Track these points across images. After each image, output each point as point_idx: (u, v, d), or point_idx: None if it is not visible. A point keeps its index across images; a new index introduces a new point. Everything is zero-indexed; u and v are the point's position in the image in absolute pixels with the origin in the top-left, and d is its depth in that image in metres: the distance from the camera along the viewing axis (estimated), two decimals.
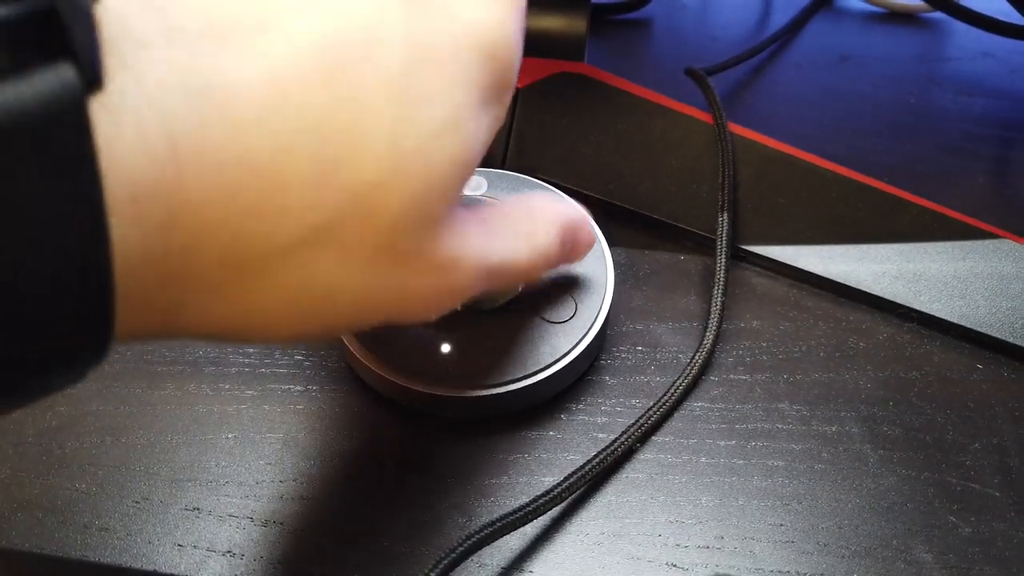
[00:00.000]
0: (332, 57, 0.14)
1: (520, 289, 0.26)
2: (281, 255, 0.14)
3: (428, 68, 0.15)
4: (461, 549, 0.20)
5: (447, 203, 0.16)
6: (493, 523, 0.21)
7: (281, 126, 0.13)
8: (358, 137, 0.14)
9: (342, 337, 0.25)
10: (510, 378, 0.24)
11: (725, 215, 0.31)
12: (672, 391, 0.26)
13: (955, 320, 0.28)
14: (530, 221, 0.21)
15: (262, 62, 0.13)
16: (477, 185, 0.29)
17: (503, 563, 0.22)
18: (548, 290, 0.26)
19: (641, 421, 0.25)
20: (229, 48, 0.13)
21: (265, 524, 0.23)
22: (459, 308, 0.25)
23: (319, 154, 0.14)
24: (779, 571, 0.22)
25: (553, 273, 0.27)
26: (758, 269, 0.31)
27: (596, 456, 0.24)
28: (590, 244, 0.24)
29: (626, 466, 0.25)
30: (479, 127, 0.17)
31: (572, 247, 0.23)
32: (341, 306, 0.16)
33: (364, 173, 0.14)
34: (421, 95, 0.15)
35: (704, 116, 0.35)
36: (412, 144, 0.15)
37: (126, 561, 0.22)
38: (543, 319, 0.26)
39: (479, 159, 0.17)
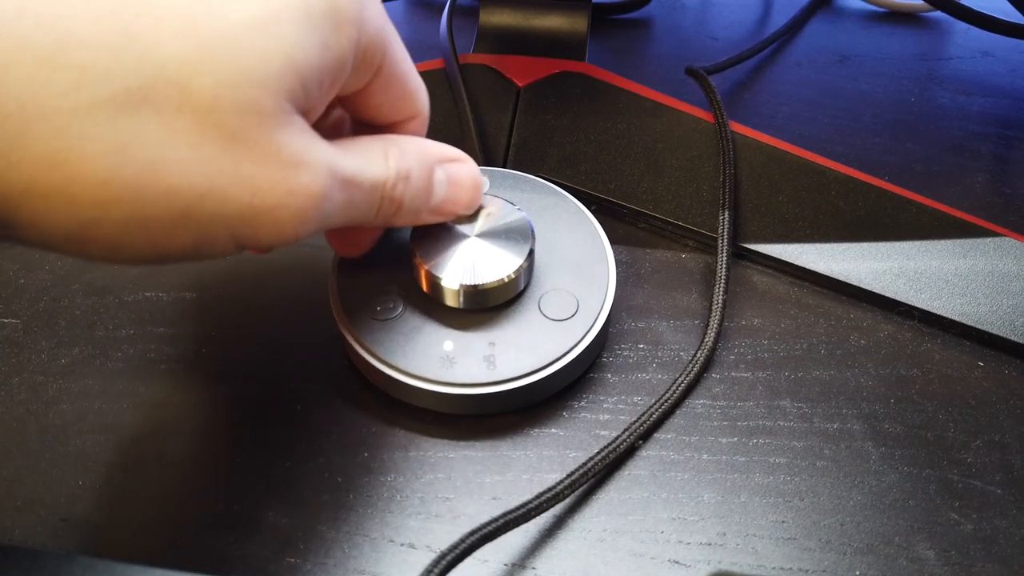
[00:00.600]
0: None
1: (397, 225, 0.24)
2: (88, 110, 0.15)
3: None
4: (464, 545, 0.21)
5: (275, 99, 0.17)
6: (496, 520, 0.21)
7: None
8: (152, 11, 0.15)
9: (344, 334, 0.25)
10: (512, 375, 0.24)
11: (726, 213, 0.31)
12: (674, 388, 0.26)
13: (956, 318, 0.29)
14: (388, 144, 0.22)
15: None
16: None
17: (506, 560, 0.22)
18: (550, 287, 0.26)
19: (643, 418, 0.25)
20: None
21: (266, 520, 0.23)
22: (461, 307, 0.25)
23: (115, 19, 0.15)
24: (781, 568, 0.23)
25: (555, 270, 0.27)
26: (759, 267, 0.31)
27: (598, 453, 0.24)
28: (473, 183, 0.24)
29: (628, 463, 0.25)
30: (303, 40, 0.17)
31: (450, 182, 0.23)
32: (176, 184, 0.16)
33: (165, 46, 0.15)
34: None
35: (705, 115, 0.35)
36: (216, 28, 0.16)
37: (130, 558, 0.22)
38: (545, 316, 0.26)
39: (313, 75, 0.18)
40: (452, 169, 0.24)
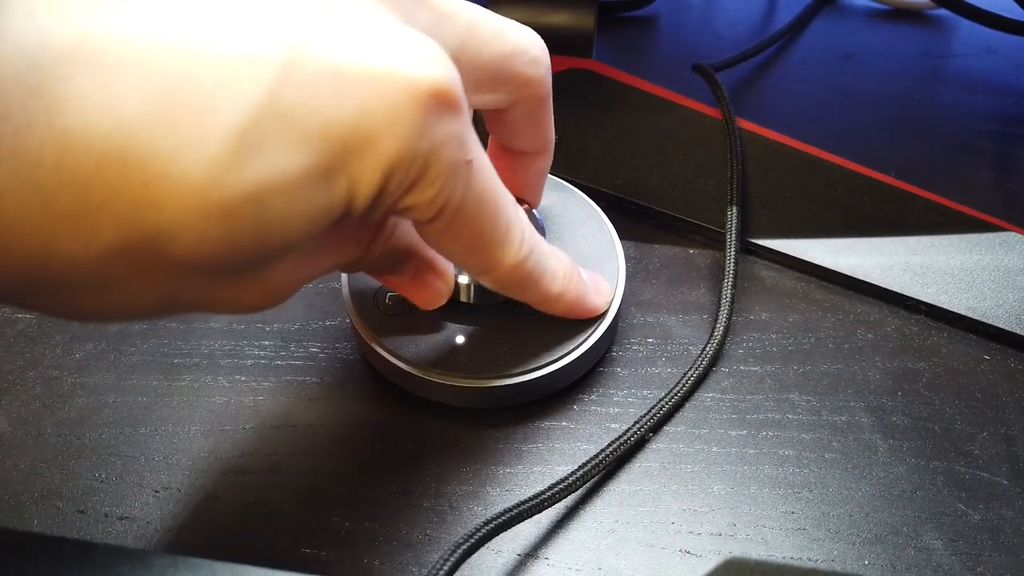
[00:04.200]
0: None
1: None
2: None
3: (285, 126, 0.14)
4: (478, 536, 0.21)
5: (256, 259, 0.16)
6: (509, 511, 0.22)
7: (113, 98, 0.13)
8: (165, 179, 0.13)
9: (357, 329, 0.26)
10: (524, 369, 0.25)
11: (734, 209, 0.31)
12: (683, 382, 0.26)
13: (962, 312, 0.29)
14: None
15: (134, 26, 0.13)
16: None
17: (519, 550, 0.23)
18: None
19: (653, 411, 0.25)
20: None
21: (282, 513, 0.23)
22: (472, 302, 0.25)
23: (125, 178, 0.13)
24: (791, 558, 0.23)
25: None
26: (767, 262, 0.32)
27: (609, 446, 0.24)
28: (430, 296, 0.23)
29: (639, 455, 0.25)
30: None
31: (412, 280, 0.23)
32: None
33: (163, 213, 0.14)
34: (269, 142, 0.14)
35: (712, 111, 0.35)
36: (236, 194, 0.14)
37: (144, 547, 0.23)
38: None
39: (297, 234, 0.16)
40: (424, 272, 0.23)
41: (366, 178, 0.15)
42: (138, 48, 0.13)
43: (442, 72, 0.16)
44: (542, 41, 0.22)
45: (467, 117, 0.17)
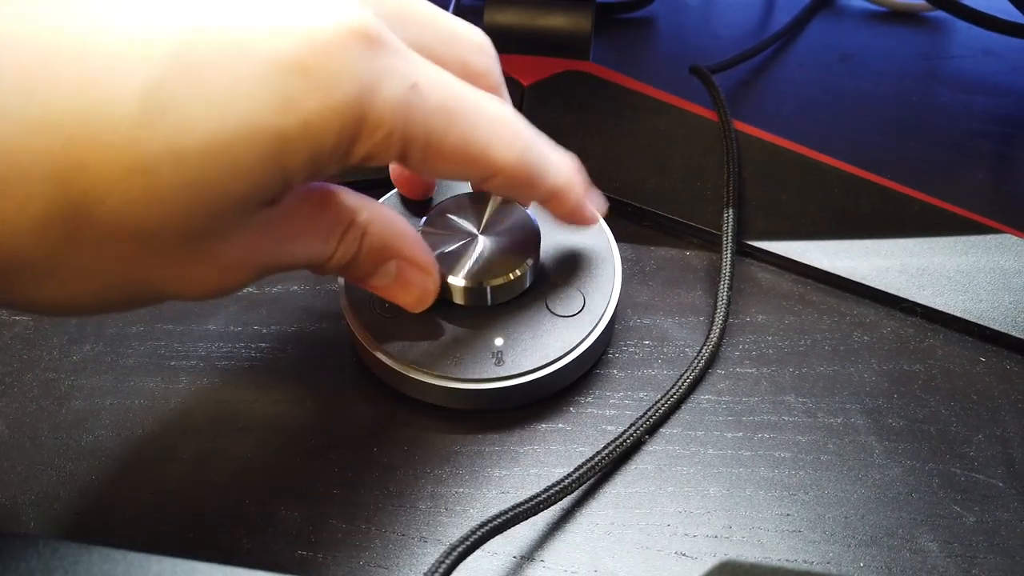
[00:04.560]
0: (85, 51, 0.14)
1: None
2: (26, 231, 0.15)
3: (197, 79, 0.15)
4: (473, 538, 0.21)
5: (216, 222, 0.16)
6: (505, 513, 0.22)
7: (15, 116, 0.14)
8: (90, 137, 0.14)
9: (353, 331, 0.26)
10: (520, 371, 0.25)
11: (730, 211, 0.31)
12: (679, 384, 0.26)
13: (958, 314, 0.29)
14: (352, 223, 0.21)
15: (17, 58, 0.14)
16: None
17: (514, 552, 0.23)
18: (557, 284, 0.27)
19: (649, 413, 0.25)
20: None
21: (278, 515, 0.23)
22: (468, 304, 0.25)
23: (48, 145, 0.14)
24: (786, 560, 0.23)
25: (562, 267, 0.27)
26: (763, 264, 0.32)
27: (605, 448, 0.24)
28: (419, 295, 0.23)
29: (635, 457, 0.25)
30: (259, 162, 0.16)
31: (396, 278, 0.23)
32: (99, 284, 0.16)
33: (90, 173, 0.14)
34: (182, 107, 0.15)
35: (708, 113, 0.35)
36: (157, 155, 0.15)
37: (142, 549, 0.23)
38: (552, 313, 0.26)
39: (265, 195, 0.17)
40: (406, 271, 0.23)
41: (294, 134, 0.16)
42: (49, 25, 0.14)
43: (354, 13, 0.16)
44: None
45: (393, 46, 0.17)
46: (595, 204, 0.25)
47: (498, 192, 0.22)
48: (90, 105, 0.14)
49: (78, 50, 0.14)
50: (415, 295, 0.23)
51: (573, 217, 0.24)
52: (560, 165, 0.22)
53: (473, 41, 0.21)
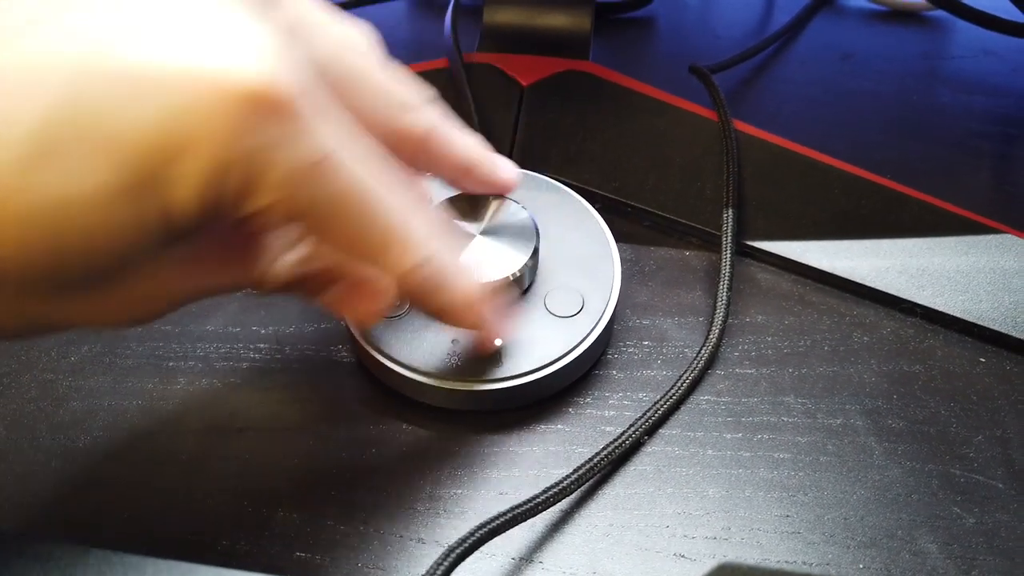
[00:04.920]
0: None
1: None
2: None
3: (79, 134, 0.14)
4: (472, 540, 0.21)
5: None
6: (503, 514, 0.21)
7: None
8: None
9: (352, 332, 0.26)
10: (519, 372, 0.25)
11: (730, 211, 0.31)
12: (679, 385, 0.26)
13: (958, 314, 0.29)
14: (276, 252, 0.20)
15: None
16: None
17: (513, 554, 0.23)
18: (556, 285, 0.27)
19: (648, 414, 0.25)
20: None
21: (276, 516, 0.23)
22: None
23: None
24: (785, 561, 0.23)
25: (561, 267, 0.27)
26: (762, 265, 0.32)
27: (604, 449, 0.24)
28: (373, 306, 0.22)
29: (634, 458, 0.25)
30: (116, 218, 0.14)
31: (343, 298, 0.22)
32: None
33: None
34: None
35: (708, 113, 0.35)
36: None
37: (140, 553, 0.23)
38: (551, 313, 0.26)
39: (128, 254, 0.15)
40: (351, 290, 0.22)
41: (183, 189, 0.14)
42: None
43: (263, 71, 0.14)
44: (371, 33, 0.21)
45: (310, 114, 0.15)
46: (501, 329, 0.24)
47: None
48: None
49: None
50: (366, 306, 0.22)
51: (477, 328, 0.23)
52: (461, 288, 0.21)
53: (405, 102, 0.21)
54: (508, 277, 0.25)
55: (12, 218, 0.13)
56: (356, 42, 0.19)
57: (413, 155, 0.22)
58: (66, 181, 0.14)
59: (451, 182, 0.24)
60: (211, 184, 0.15)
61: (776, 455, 0.25)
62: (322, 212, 0.16)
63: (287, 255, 0.21)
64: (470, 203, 0.26)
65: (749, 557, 0.23)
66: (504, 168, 0.24)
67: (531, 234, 0.26)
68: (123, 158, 0.14)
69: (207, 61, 0.14)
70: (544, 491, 0.22)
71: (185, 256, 0.18)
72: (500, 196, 0.27)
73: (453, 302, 0.21)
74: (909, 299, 0.29)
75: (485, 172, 0.23)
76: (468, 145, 0.23)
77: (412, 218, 0.19)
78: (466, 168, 0.23)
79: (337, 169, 0.16)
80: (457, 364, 0.25)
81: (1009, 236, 0.30)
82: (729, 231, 0.30)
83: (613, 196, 0.33)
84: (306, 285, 0.21)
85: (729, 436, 0.26)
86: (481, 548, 0.21)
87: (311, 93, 0.16)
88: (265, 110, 0.14)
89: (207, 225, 0.16)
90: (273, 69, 0.14)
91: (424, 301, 0.20)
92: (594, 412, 0.26)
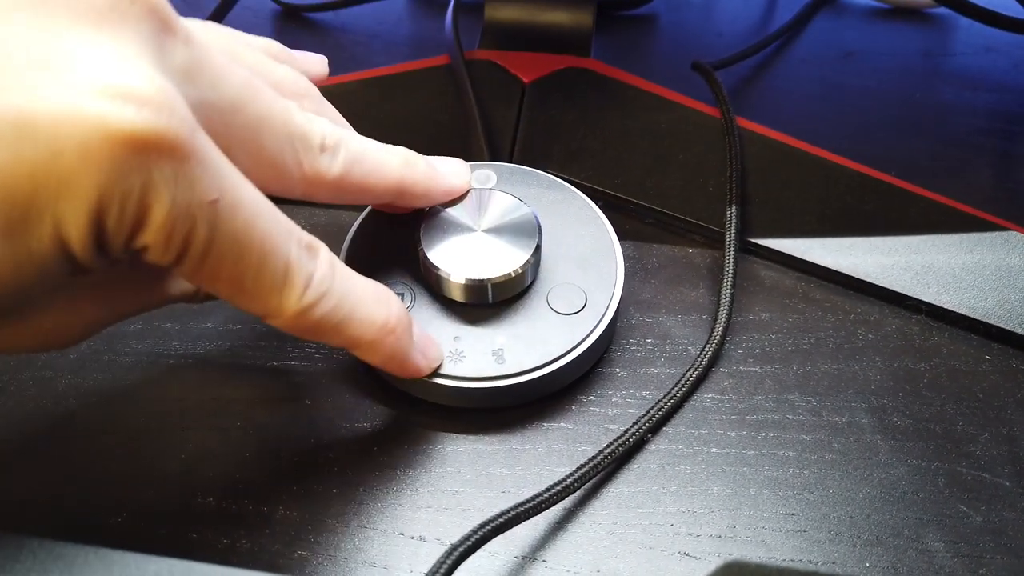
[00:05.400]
0: None
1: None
2: None
3: None
4: (475, 538, 0.21)
5: None
6: (506, 513, 0.21)
7: None
8: None
9: None
10: (521, 369, 0.24)
11: (733, 208, 0.31)
12: (682, 383, 0.26)
13: (963, 312, 0.29)
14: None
15: None
16: (486, 178, 0.29)
17: (516, 552, 0.22)
18: (558, 282, 0.26)
19: (652, 412, 0.25)
20: None
21: (276, 514, 0.23)
22: (468, 301, 0.25)
23: None
24: (791, 560, 0.23)
25: (563, 264, 0.27)
26: (766, 262, 0.32)
27: (608, 447, 0.24)
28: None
29: (637, 456, 0.25)
30: None
31: None
32: None
33: None
34: None
35: (711, 110, 0.35)
36: None
37: (141, 551, 0.22)
38: (553, 311, 0.26)
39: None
40: None
41: (68, 227, 0.15)
42: None
43: (146, 116, 0.15)
44: (318, 66, 0.22)
45: (202, 155, 0.16)
46: (427, 355, 0.24)
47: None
48: None
49: None
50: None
51: (387, 369, 0.23)
52: (368, 318, 0.21)
53: (317, 145, 0.21)
54: (510, 273, 0.25)
55: None
56: (261, 88, 0.19)
57: (335, 195, 0.22)
58: None
59: (395, 204, 0.24)
60: (93, 221, 0.15)
61: (781, 453, 0.25)
62: (216, 251, 0.17)
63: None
64: (472, 199, 0.26)
65: (754, 555, 0.23)
66: (445, 177, 0.25)
67: (533, 231, 0.26)
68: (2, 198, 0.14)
69: (86, 104, 0.14)
70: (547, 489, 0.22)
71: (93, 284, 0.19)
72: (504, 193, 0.26)
73: (358, 338, 0.21)
74: (914, 296, 0.29)
75: (419, 192, 0.24)
76: (390, 173, 0.23)
77: (303, 258, 0.19)
78: (396, 193, 0.24)
79: (234, 208, 0.17)
80: (460, 361, 0.24)
81: (1015, 233, 0.30)
82: (733, 228, 0.30)
83: (615, 193, 0.33)
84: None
85: (733, 434, 0.26)
86: (484, 546, 0.21)
87: (199, 137, 0.16)
88: (153, 151, 0.15)
89: (103, 259, 0.16)
90: (160, 114, 0.15)
91: (327, 339, 0.20)
92: (597, 410, 0.26)
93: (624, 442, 0.24)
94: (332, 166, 0.21)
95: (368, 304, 0.21)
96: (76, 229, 0.15)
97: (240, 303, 0.18)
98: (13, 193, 0.14)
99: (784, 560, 0.23)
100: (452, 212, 0.26)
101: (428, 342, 0.24)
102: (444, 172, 0.25)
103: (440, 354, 0.24)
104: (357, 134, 0.22)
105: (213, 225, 0.16)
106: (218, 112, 0.18)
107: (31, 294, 0.16)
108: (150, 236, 0.16)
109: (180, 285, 0.21)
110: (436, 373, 0.24)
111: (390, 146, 0.23)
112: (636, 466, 0.25)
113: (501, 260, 0.25)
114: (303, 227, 0.20)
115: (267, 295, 0.18)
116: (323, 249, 0.20)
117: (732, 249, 0.30)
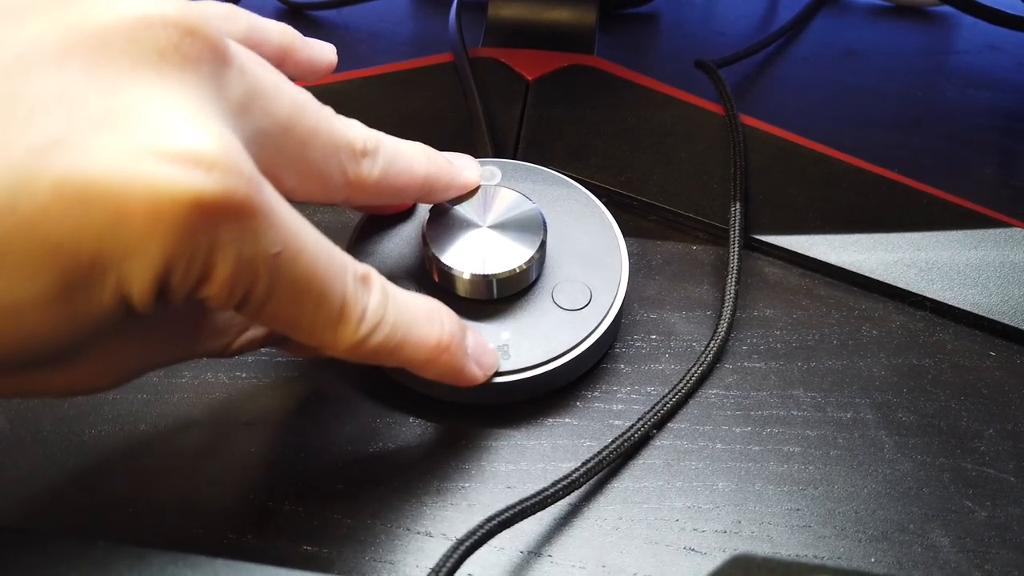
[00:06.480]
0: None
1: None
2: None
3: None
4: (481, 533, 0.21)
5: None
6: (512, 508, 0.21)
7: None
8: None
9: None
10: (527, 365, 0.24)
11: (737, 205, 0.31)
12: (687, 379, 0.26)
13: (967, 308, 0.29)
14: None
15: None
16: (491, 175, 0.29)
17: (522, 547, 0.22)
18: (563, 278, 0.26)
19: (657, 408, 0.25)
20: None
21: (282, 509, 0.23)
22: (473, 297, 0.25)
23: None
24: (796, 555, 0.23)
25: (568, 260, 0.27)
26: (770, 258, 0.32)
27: (613, 442, 0.24)
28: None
29: (642, 452, 0.25)
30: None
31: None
32: None
33: None
34: None
35: (714, 107, 0.35)
36: None
37: (146, 545, 0.22)
38: (558, 306, 0.26)
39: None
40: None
41: (134, 284, 0.15)
42: None
43: (219, 178, 0.15)
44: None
45: (267, 211, 0.16)
46: (482, 364, 0.23)
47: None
48: None
49: None
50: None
51: (446, 381, 0.23)
52: (421, 340, 0.21)
53: (358, 150, 0.21)
54: (515, 269, 0.25)
55: None
56: (307, 100, 0.19)
57: (372, 198, 0.22)
58: (3, 288, 0.14)
59: (418, 200, 0.26)
60: (158, 279, 0.15)
61: (786, 449, 0.25)
62: (277, 297, 0.17)
63: (245, 335, 0.22)
64: (477, 195, 0.26)
65: (760, 551, 0.23)
66: (462, 171, 0.25)
67: (539, 227, 0.26)
68: (59, 267, 0.14)
69: (155, 170, 0.14)
70: (553, 484, 0.22)
71: (141, 333, 0.19)
72: (509, 189, 0.26)
73: (412, 359, 0.21)
74: (918, 293, 0.29)
75: (442, 186, 0.25)
76: (419, 169, 0.23)
77: (359, 291, 0.19)
78: (424, 190, 0.24)
79: (295, 257, 0.17)
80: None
81: (1018, 230, 0.30)
82: (737, 225, 0.30)
83: (620, 190, 0.33)
84: (265, 342, 0.22)
85: (738, 430, 0.26)
86: (489, 541, 0.21)
87: (265, 192, 0.16)
88: (217, 214, 0.15)
89: (162, 308, 0.16)
90: (225, 176, 0.15)
91: (383, 363, 0.21)
92: (602, 406, 0.26)
93: (629, 438, 0.24)
94: (373, 170, 0.21)
95: (421, 326, 0.21)
96: (140, 286, 0.15)
97: (297, 338, 0.19)
98: (77, 255, 0.14)
99: (789, 555, 0.23)
100: (458, 208, 0.26)
101: (483, 350, 0.24)
102: (460, 166, 0.26)
103: (495, 360, 0.24)
104: (382, 133, 0.22)
105: (275, 275, 0.16)
106: (271, 137, 0.18)
107: (83, 343, 0.16)
108: (213, 290, 0.16)
109: (212, 342, 0.22)
110: None
111: (410, 142, 0.24)
112: (641, 462, 0.25)
113: (506, 256, 0.25)
114: None
115: (323, 331, 0.18)
116: (375, 278, 0.20)
117: (736, 245, 0.30)
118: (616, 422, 0.26)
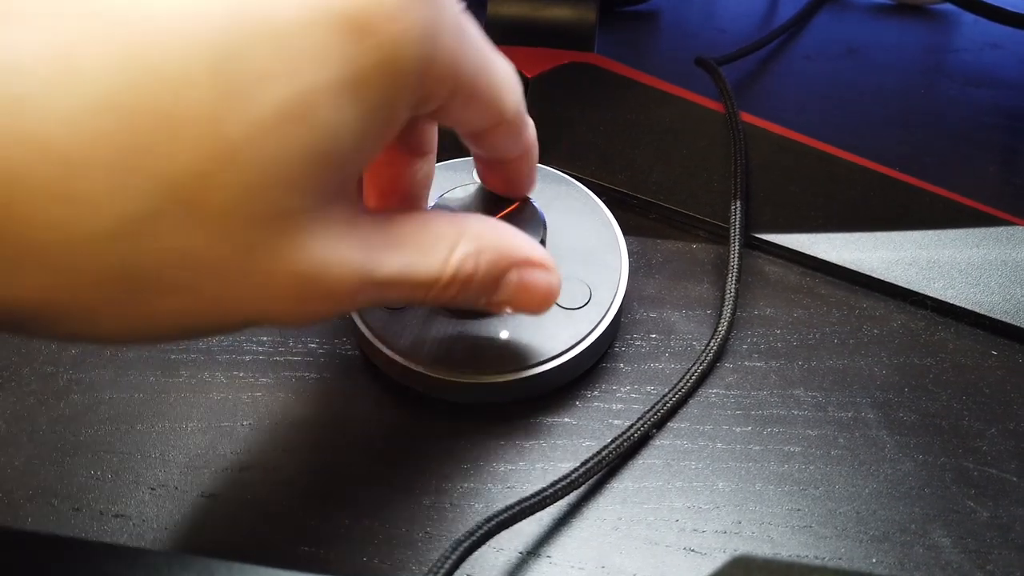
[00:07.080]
0: (133, 29, 0.13)
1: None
2: (86, 242, 0.13)
3: (263, 42, 0.13)
4: (479, 533, 0.20)
5: (300, 200, 0.15)
6: (510, 508, 0.21)
7: (72, 104, 0.12)
8: (169, 120, 0.13)
9: (356, 324, 0.25)
10: (526, 364, 0.24)
11: (738, 203, 0.31)
12: (687, 378, 0.26)
13: (969, 307, 0.28)
14: (462, 236, 0.19)
15: (46, 36, 0.12)
16: None
17: (521, 547, 0.22)
18: (563, 277, 0.26)
19: (657, 407, 0.25)
20: (10, 21, 0.12)
21: (280, 510, 0.23)
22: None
23: (122, 137, 0.13)
24: (797, 556, 0.22)
25: (568, 259, 0.27)
26: (771, 257, 0.31)
27: (612, 442, 0.24)
28: (546, 294, 0.21)
29: (642, 452, 0.25)
30: (344, 117, 0.15)
31: (520, 287, 0.21)
32: (187, 305, 0.15)
33: (179, 160, 0.13)
34: (253, 74, 0.13)
35: (715, 105, 0.35)
36: (240, 131, 0.13)
37: (143, 545, 0.22)
38: (558, 306, 0.26)
39: (354, 156, 0.16)
40: (528, 275, 0.21)
41: (372, 79, 0.15)
42: None
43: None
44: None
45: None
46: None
47: (488, 148, 0.21)
48: (153, 85, 0.13)
49: (123, 17, 0.13)
50: (541, 296, 0.21)
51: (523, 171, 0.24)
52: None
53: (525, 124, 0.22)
54: None
55: (224, 150, 0.14)
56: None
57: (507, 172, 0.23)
58: (261, 98, 0.14)
59: (503, 187, 0.25)
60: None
61: (786, 448, 0.25)
62: (475, 68, 0.18)
63: (463, 246, 0.20)
64: (475, 193, 0.26)
65: (760, 551, 0.22)
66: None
67: (538, 225, 0.25)
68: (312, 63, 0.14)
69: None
70: (551, 484, 0.22)
71: (366, 228, 0.18)
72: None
73: (531, 133, 0.22)
74: (920, 292, 0.29)
75: (528, 184, 0.25)
76: (532, 163, 0.24)
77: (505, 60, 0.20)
78: (528, 184, 0.25)
79: (473, 29, 0.18)
80: (463, 357, 0.24)
81: (1020, 228, 0.30)
82: (737, 223, 0.30)
83: (620, 188, 0.33)
84: (479, 283, 0.20)
85: (739, 429, 0.25)
86: (488, 542, 0.21)
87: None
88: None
89: (393, 125, 0.17)
90: None
91: (521, 135, 0.21)
92: (601, 405, 0.26)
93: (628, 438, 0.24)
94: (523, 142, 0.22)
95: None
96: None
97: (483, 118, 0.19)
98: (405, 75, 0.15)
99: (790, 555, 0.22)
100: (457, 206, 0.26)
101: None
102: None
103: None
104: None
105: (470, 49, 0.18)
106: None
107: (339, 176, 0.16)
108: (435, 75, 0.17)
109: (432, 259, 0.19)
110: (440, 368, 0.24)
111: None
112: (641, 462, 0.25)
113: None
114: None
115: (501, 99, 0.19)
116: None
117: (736, 244, 0.29)
118: (616, 422, 0.26)
